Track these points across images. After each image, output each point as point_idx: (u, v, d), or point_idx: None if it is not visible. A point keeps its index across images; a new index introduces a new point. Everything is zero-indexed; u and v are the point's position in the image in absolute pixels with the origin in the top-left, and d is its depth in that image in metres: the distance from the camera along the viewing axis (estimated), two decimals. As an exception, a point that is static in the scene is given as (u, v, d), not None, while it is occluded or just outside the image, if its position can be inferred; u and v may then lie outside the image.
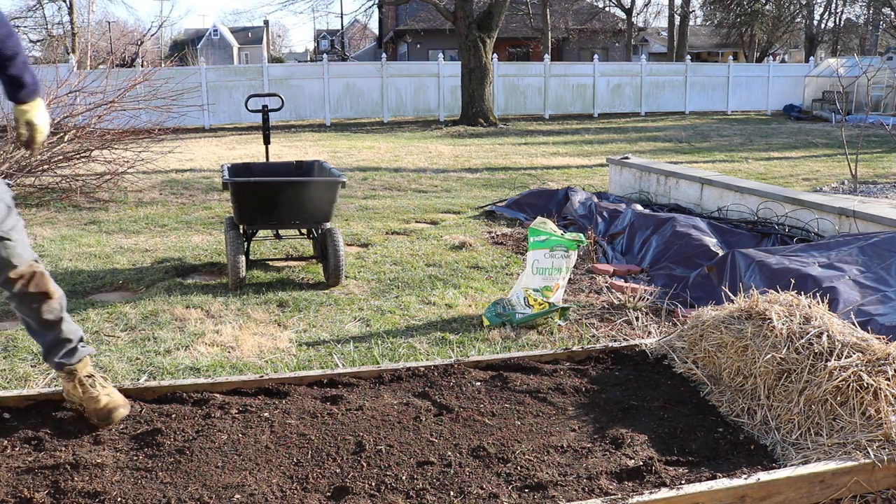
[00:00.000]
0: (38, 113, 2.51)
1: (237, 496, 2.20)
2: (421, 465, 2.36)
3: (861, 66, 16.60)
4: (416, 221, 6.87)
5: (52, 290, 2.57)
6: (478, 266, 5.15)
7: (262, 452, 2.45)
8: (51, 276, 2.60)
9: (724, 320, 3.00)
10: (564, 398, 2.87)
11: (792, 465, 2.31)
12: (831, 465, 2.26)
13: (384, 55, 22.23)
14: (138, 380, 3.17)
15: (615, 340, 3.68)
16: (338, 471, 2.33)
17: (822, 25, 36.75)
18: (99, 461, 2.37)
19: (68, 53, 25.83)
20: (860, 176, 8.97)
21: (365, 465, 2.36)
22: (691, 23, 37.35)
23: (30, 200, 7.58)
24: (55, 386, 3.07)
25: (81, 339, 2.70)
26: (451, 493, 2.21)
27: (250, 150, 13.00)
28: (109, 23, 45.19)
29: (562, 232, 4.14)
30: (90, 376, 2.68)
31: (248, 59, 58.57)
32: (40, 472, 2.32)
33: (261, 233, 5.52)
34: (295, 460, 2.40)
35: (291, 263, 5.19)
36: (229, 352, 3.58)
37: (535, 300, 3.94)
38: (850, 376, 2.48)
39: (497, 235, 6.14)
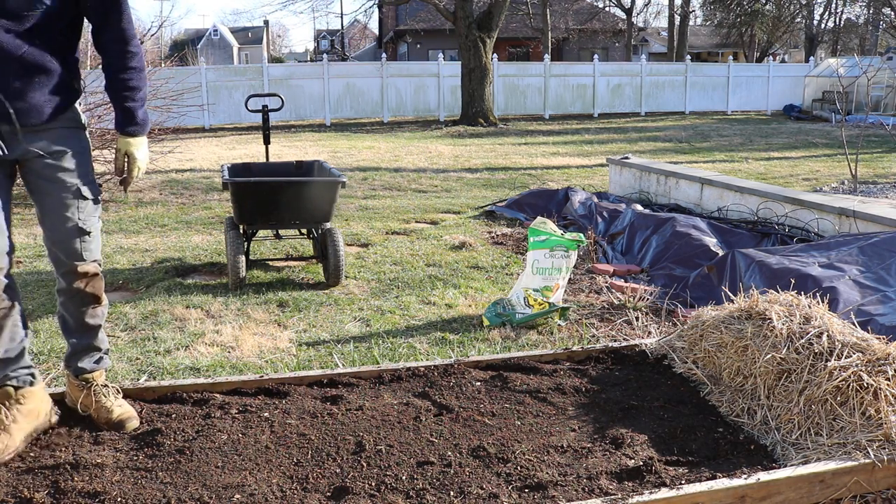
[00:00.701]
0: (141, 148, 2.59)
1: (237, 496, 2.20)
2: (421, 465, 2.36)
3: (861, 66, 16.61)
4: (416, 221, 6.87)
5: (103, 297, 2.63)
6: (478, 266, 5.15)
7: (262, 452, 2.45)
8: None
9: (724, 320, 3.00)
10: (564, 398, 2.87)
11: (792, 465, 2.31)
12: (831, 465, 2.26)
13: (384, 55, 22.24)
14: (138, 380, 3.17)
15: (615, 340, 3.68)
16: (338, 471, 2.34)
17: (822, 25, 36.76)
18: (99, 461, 2.37)
19: (68, 53, 25.78)
20: (860, 176, 8.97)
21: (365, 465, 2.36)
22: (691, 23, 37.36)
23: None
24: (55, 386, 3.07)
25: (107, 351, 2.73)
26: (451, 493, 2.21)
27: (250, 150, 13.00)
28: (109, 23, 45.14)
29: (562, 232, 4.14)
30: (105, 386, 2.69)
31: (248, 59, 58.59)
32: (40, 472, 2.32)
33: (261, 233, 5.52)
34: (295, 460, 2.40)
35: (291, 263, 5.19)
36: (229, 352, 3.58)
37: (535, 300, 3.94)
38: (850, 376, 2.48)
39: (497, 235, 6.14)
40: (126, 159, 2.58)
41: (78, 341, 2.64)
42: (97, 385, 2.67)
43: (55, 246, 2.50)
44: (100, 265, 2.58)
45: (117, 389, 2.73)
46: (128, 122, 2.54)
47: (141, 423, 2.65)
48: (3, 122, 2.32)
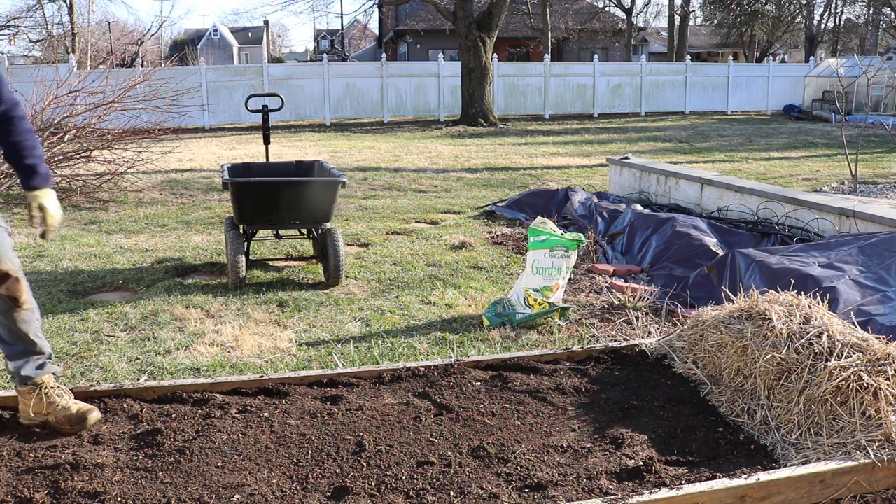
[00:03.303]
0: (49, 198, 2.64)
1: (237, 496, 2.20)
2: (421, 465, 2.36)
3: (861, 66, 16.61)
4: (416, 221, 6.87)
5: (24, 298, 2.57)
6: (478, 266, 5.15)
7: (262, 452, 2.45)
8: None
9: (724, 320, 3.00)
10: (564, 398, 2.87)
11: (792, 465, 2.31)
12: (831, 465, 2.26)
13: (384, 55, 22.23)
14: (138, 380, 3.17)
15: (615, 340, 3.68)
16: (338, 471, 2.33)
17: (822, 25, 36.76)
18: (99, 461, 2.37)
19: (68, 53, 25.83)
20: (860, 176, 8.97)
21: (365, 465, 2.36)
22: (691, 23, 37.36)
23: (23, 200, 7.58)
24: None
25: (50, 356, 2.70)
26: (451, 493, 2.21)
27: (250, 150, 13.00)
28: (109, 23, 45.23)
29: (562, 232, 4.14)
30: (56, 388, 2.65)
31: (248, 59, 58.58)
32: (40, 472, 2.32)
33: (261, 233, 5.52)
34: (295, 460, 2.40)
35: (291, 263, 5.19)
36: (229, 352, 3.58)
37: (535, 300, 3.94)
38: (850, 376, 2.48)
39: (497, 235, 6.14)
40: (40, 212, 2.62)
41: (12, 348, 2.60)
42: (47, 387, 2.62)
43: None
44: (12, 263, 2.54)
45: (69, 389, 2.70)
46: (33, 178, 2.61)
47: (141, 423, 2.65)
48: None
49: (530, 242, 4.06)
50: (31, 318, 2.61)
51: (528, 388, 2.95)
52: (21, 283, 2.57)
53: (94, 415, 2.62)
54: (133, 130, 8.87)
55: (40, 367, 2.65)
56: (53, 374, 2.69)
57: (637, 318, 4.00)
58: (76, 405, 2.63)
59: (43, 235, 2.65)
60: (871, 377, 2.46)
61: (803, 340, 2.66)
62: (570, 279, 4.54)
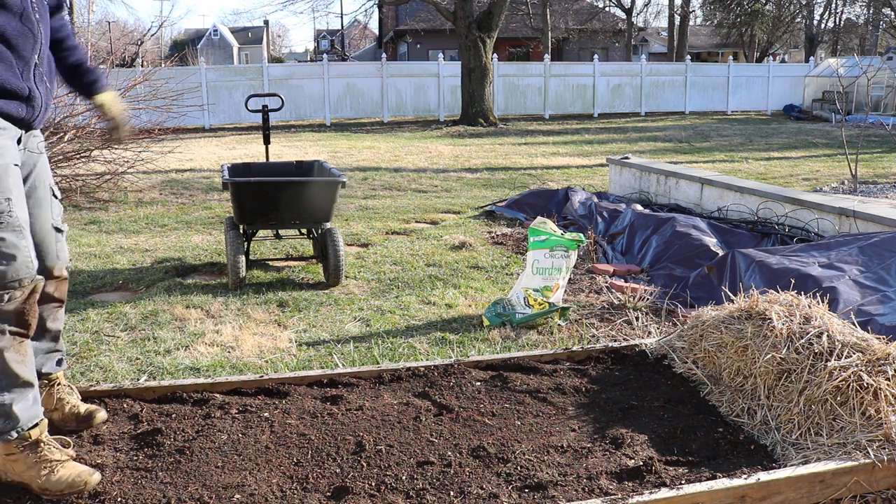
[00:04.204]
0: (116, 99, 2.77)
1: (237, 496, 2.20)
2: (421, 465, 2.36)
3: (861, 66, 16.61)
4: (416, 221, 6.87)
5: (65, 299, 2.64)
6: (478, 266, 5.15)
7: (262, 452, 2.45)
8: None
9: (724, 320, 3.00)
10: (564, 398, 2.87)
11: (792, 465, 2.31)
12: (831, 465, 2.26)
13: (384, 55, 22.23)
14: (138, 380, 3.17)
15: (615, 340, 3.68)
16: (338, 471, 2.34)
17: (822, 25, 36.78)
18: (99, 461, 2.37)
19: (68, 53, 25.73)
20: (860, 176, 8.97)
21: (365, 465, 2.36)
22: (691, 23, 37.37)
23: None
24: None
25: (65, 353, 2.75)
26: (451, 493, 2.21)
27: (250, 150, 13.00)
28: (109, 23, 45.23)
29: (562, 232, 4.14)
30: (68, 386, 2.70)
31: (248, 59, 58.60)
32: (40, 472, 2.32)
33: (261, 233, 5.52)
34: (295, 460, 2.40)
35: (291, 263, 5.19)
36: (229, 352, 3.58)
37: (535, 300, 3.94)
38: (850, 376, 2.48)
39: (497, 235, 6.14)
40: (114, 107, 2.75)
41: (39, 345, 2.61)
42: (60, 384, 2.65)
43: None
44: (67, 268, 2.60)
45: (76, 389, 2.74)
46: (103, 79, 2.75)
47: (141, 423, 2.65)
48: (23, 124, 2.34)
49: (530, 242, 4.06)
50: (63, 316, 2.67)
51: (528, 388, 2.95)
52: (67, 284, 2.63)
53: (101, 415, 2.65)
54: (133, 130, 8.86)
55: (58, 363, 2.68)
56: (63, 371, 2.72)
57: (637, 318, 4.00)
58: (84, 405, 2.66)
59: (120, 130, 2.78)
60: (871, 377, 2.46)
61: (803, 340, 2.66)
62: (570, 279, 4.54)
